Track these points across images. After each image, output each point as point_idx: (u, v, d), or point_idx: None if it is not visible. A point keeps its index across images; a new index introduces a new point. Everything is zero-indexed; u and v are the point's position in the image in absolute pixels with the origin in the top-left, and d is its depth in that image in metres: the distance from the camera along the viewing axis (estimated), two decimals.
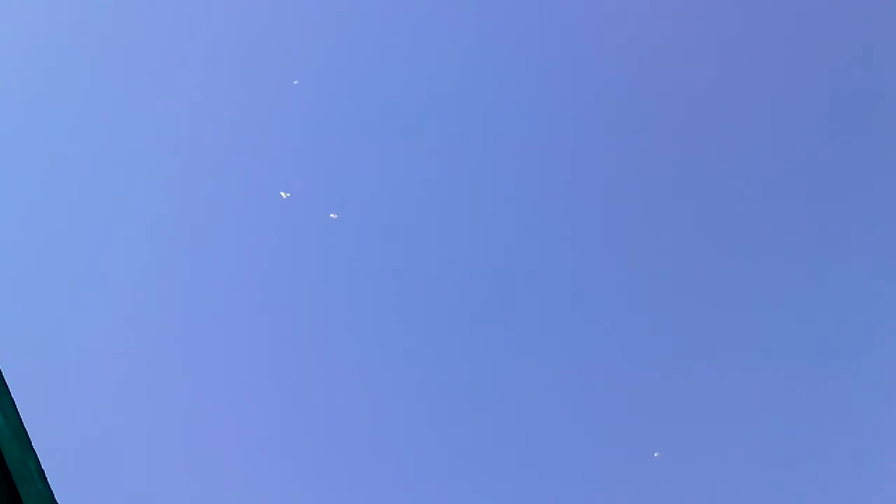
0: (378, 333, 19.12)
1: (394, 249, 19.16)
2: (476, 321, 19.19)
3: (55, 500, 4.64)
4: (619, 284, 18.99)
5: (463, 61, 19.17)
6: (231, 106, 18.81)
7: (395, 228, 19.14)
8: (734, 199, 18.91)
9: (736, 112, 18.93)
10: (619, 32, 19.02)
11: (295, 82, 18.01)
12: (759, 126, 18.82)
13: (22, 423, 4.72)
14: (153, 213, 18.73)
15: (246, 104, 18.83)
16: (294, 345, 19.21)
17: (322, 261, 19.05)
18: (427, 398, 18.97)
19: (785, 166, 18.87)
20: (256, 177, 18.78)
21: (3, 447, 4.58)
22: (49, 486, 4.65)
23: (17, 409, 4.78)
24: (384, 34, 19.02)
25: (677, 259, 19.02)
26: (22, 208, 18.44)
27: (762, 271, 18.90)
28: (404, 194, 19.15)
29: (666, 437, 18.44)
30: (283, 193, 18.14)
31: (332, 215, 18.51)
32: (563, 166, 19.07)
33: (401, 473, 18.70)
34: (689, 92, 19.03)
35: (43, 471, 4.64)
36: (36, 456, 4.68)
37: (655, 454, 17.90)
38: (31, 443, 4.69)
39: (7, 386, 4.92)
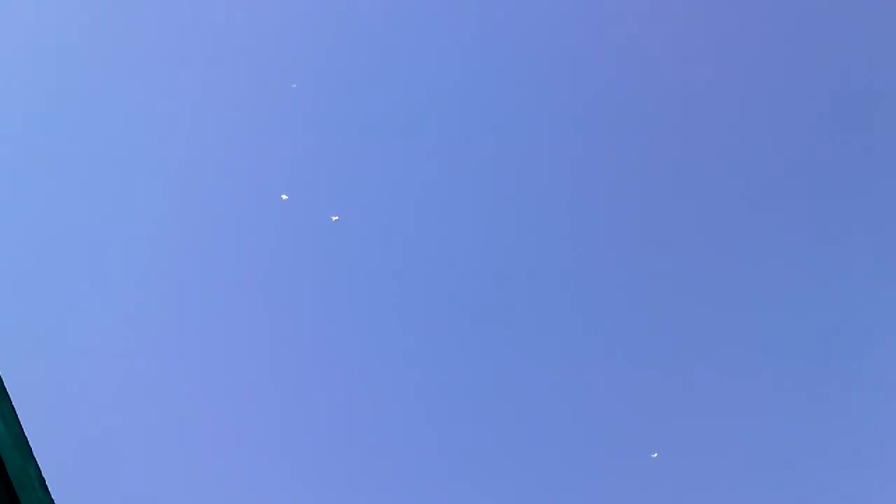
0: (378, 334, 19.13)
1: (394, 250, 19.17)
2: (475, 322, 19.19)
3: None
4: (618, 285, 18.99)
5: (462, 62, 19.18)
6: (231, 109, 18.81)
7: (394, 229, 19.15)
8: (734, 200, 18.91)
9: (736, 112, 18.93)
10: (619, 32, 19.02)
11: (294, 86, 18.02)
12: (758, 126, 18.82)
13: (23, 431, 4.73)
14: (153, 216, 18.74)
15: (246, 107, 18.83)
16: (294, 345, 19.22)
17: (322, 262, 19.06)
18: (426, 398, 18.97)
19: (784, 166, 18.87)
20: (256, 179, 18.79)
21: (4, 455, 4.59)
22: (49, 493, 4.66)
23: (17, 417, 4.80)
24: (383, 35, 19.03)
25: (676, 259, 19.03)
26: (23, 212, 18.45)
27: (761, 271, 18.90)
28: (404, 195, 19.15)
29: (664, 438, 18.44)
30: (283, 196, 18.15)
31: (332, 217, 18.52)
32: (562, 166, 19.08)
33: (400, 473, 18.71)
34: (689, 92, 19.03)
35: (44, 479, 4.65)
36: (36, 464, 4.69)
37: (654, 455, 17.90)
38: (31, 450, 4.70)
39: (7, 393, 4.93)
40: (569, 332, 18.97)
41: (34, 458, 4.69)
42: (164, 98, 18.63)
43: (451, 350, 19.09)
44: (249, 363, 18.96)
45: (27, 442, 4.71)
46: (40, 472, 4.68)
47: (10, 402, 4.88)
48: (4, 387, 4.92)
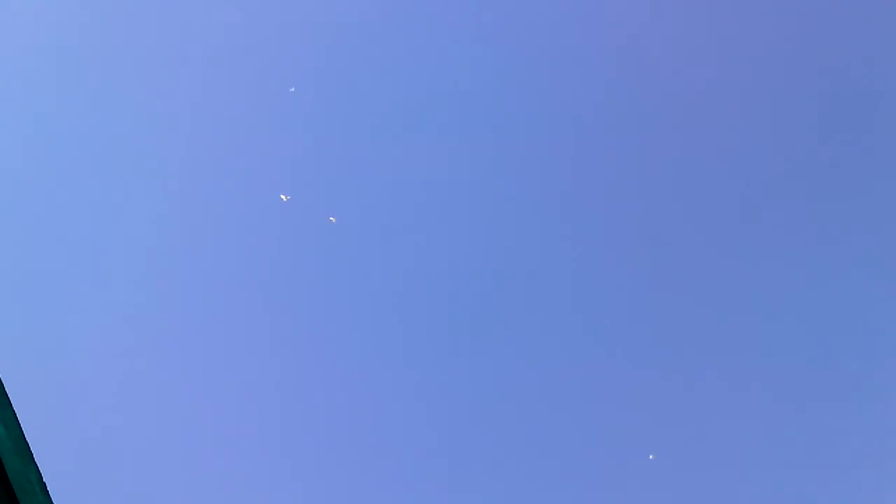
0: (377, 335, 19.12)
1: (393, 252, 19.17)
2: (474, 322, 19.19)
3: None
4: (617, 286, 18.98)
5: (461, 62, 19.18)
6: (231, 110, 18.82)
7: (394, 231, 19.14)
8: (734, 200, 18.91)
9: (736, 112, 18.93)
10: (619, 32, 19.02)
11: (291, 89, 18.02)
12: (758, 126, 18.82)
13: (23, 435, 4.72)
14: (153, 218, 18.74)
15: (245, 108, 18.83)
16: (294, 346, 19.21)
17: (321, 263, 19.05)
18: (425, 399, 18.96)
19: (784, 166, 18.87)
20: (256, 180, 18.79)
21: (5, 459, 4.58)
22: (50, 497, 4.64)
23: (18, 421, 4.79)
24: (382, 35, 19.02)
25: (675, 260, 19.02)
26: (23, 214, 18.45)
27: (760, 272, 18.89)
28: (404, 197, 19.15)
29: (661, 440, 18.43)
30: (283, 196, 18.14)
31: (331, 218, 18.51)
32: (562, 166, 19.07)
33: (400, 473, 18.70)
34: (689, 92, 19.02)
35: (44, 483, 4.64)
36: (37, 468, 4.68)
37: (651, 456, 17.89)
38: (32, 455, 4.69)
39: (8, 397, 4.92)
40: (568, 333, 18.96)
41: (35, 463, 4.68)
42: (163, 99, 18.62)
43: (450, 351, 19.08)
44: (250, 365, 18.96)
45: (28, 446, 4.70)
46: (41, 476, 4.67)
47: (11, 406, 4.87)
48: (5, 390, 4.91)
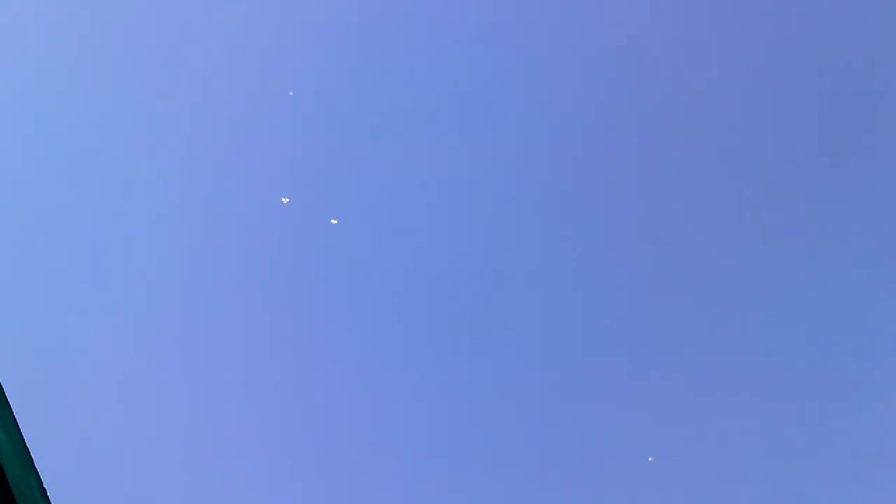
0: (377, 336, 19.13)
1: (393, 253, 19.17)
2: (474, 322, 19.19)
3: None
4: (616, 286, 18.98)
5: (461, 62, 19.19)
6: (232, 113, 18.82)
7: (394, 232, 19.15)
8: (734, 200, 18.91)
9: (736, 112, 18.93)
10: (619, 32, 19.02)
11: (291, 93, 18.04)
12: (758, 126, 18.82)
13: (24, 441, 4.72)
14: (153, 222, 18.74)
15: (246, 111, 18.84)
16: (294, 347, 19.21)
17: (322, 266, 19.06)
18: (424, 399, 18.96)
19: (784, 166, 18.87)
20: (257, 182, 18.79)
21: (5, 465, 4.58)
22: (51, 503, 4.64)
23: (18, 427, 4.78)
24: (382, 36, 19.03)
25: (674, 260, 19.02)
26: (24, 218, 18.46)
27: (759, 272, 18.89)
28: (404, 197, 19.15)
29: (661, 442, 18.43)
30: (283, 199, 18.15)
31: (332, 221, 18.52)
32: (562, 166, 19.07)
33: (398, 473, 18.70)
34: (689, 92, 19.03)
35: (45, 489, 4.63)
36: (38, 474, 4.68)
37: (650, 458, 17.89)
38: (32, 461, 4.69)
39: (8, 402, 4.92)
40: (568, 333, 18.96)
41: (35, 469, 4.68)
42: (164, 102, 18.63)
43: (449, 351, 19.09)
44: (252, 367, 18.96)
45: (28, 452, 4.69)
46: (41, 482, 4.67)
47: (11, 412, 4.87)
48: (5, 396, 4.91)
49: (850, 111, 18.63)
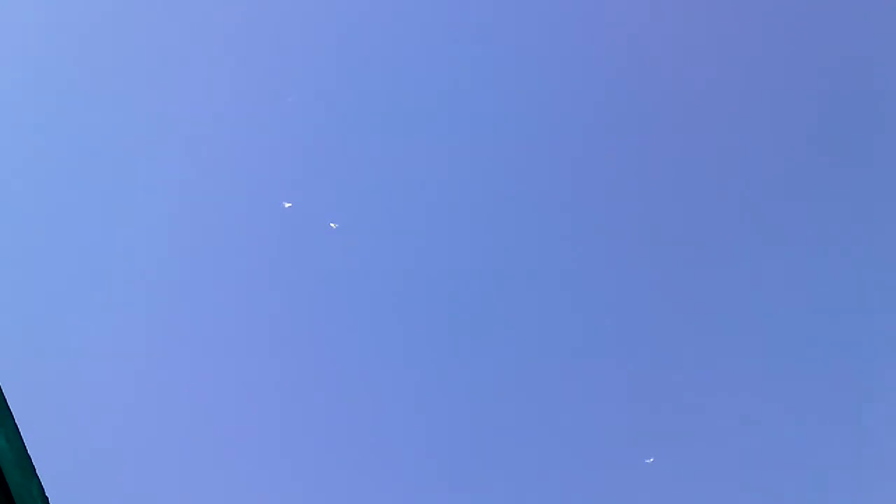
0: (378, 337, 19.14)
1: (393, 255, 19.19)
2: (474, 323, 19.20)
3: None
4: (616, 286, 18.99)
5: (460, 63, 19.20)
6: (233, 115, 18.85)
7: (395, 233, 19.17)
8: (733, 200, 18.91)
9: (735, 112, 18.93)
10: (619, 32, 19.03)
11: (290, 99, 18.08)
12: (757, 126, 18.82)
13: (25, 449, 4.76)
14: (154, 226, 18.77)
15: (248, 114, 18.87)
16: (294, 349, 19.23)
17: (323, 268, 19.08)
18: (423, 399, 18.97)
19: (784, 167, 18.87)
20: (259, 188, 18.82)
21: (7, 473, 4.61)
22: None
23: (20, 435, 4.82)
24: (381, 36, 19.05)
25: (674, 260, 19.02)
26: (26, 222, 18.48)
27: (758, 272, 18.89)
28: (404, 197, 19.17)
29: (659, 444, 18.43)
30: (285, 204, 18.19)
31: (332, 225, 18.56)
32: (561, 166, 19.08)
33: (397, 473, 18.71)
34: (689, 92, 19.04)
35: (46, 497, 4.67)
36: (39, 481, 4.72)
37: (649, 460, 17.90)
38: (34, 468, 4.73)
39: (10, 411, 4.96)
40: (568, 333, 18.97)
41: (37, 476, 4.71)
42: (166, 104, 18.67)
43: (448, 351, 19.10)
44: (256, 369, 18.98)
45: (30, 459, 4.73)
46: (43, 489, 4.70)
47: (13, 420, 4.91)
48: (7, 404, 4.95)
49: (850, 111, 18.63)
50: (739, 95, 18.90)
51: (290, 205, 18.08)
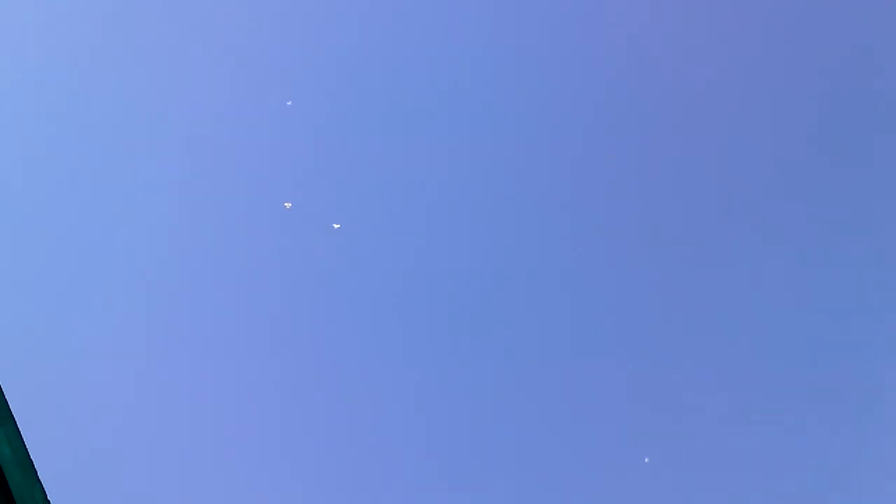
0: (378, 338, 19.14)
1: (394, 256, 19.18)
2: (473, 322, 19.20)
3: None
4: (614, 286, 18.98)
5: (461, 63, 19.18)
6: (234, 115, 18.83)
7: (395, 235, 19.16)
8: (733, 200, 18.91)
9: (735, 112, 18.93)
10: (619, 32, 19.02)
11: (288, 103, 18.08)
12: (757, 127, 18.81)
13: (27, 453, 4.75)
14: (155, 226, 18.75)
15: (249, 114, 18.85)
16: (295, 350, 19.23)
17: (325, 269, 19.07)
18: (422, 399, 18.98)
19: (783, 167, 18.87)
20: (260, 188, 18.81)
21: (9, 478, 4.60)
22: None
23: (22, 439, 4.81)
24: (382, 37, 19.03)
25: (673, 260, 19.02)
26: (29, 226, 18.46)
27: (757, 272, 18.89)
28: (405, 198, 19.16)
29: (656, 443, 18.44)
30: (286, 204, 18.18)
31: (334, 225, 18.55)
32: (561, 167, 19.07)
33: (398, 473, 18.72)
34: (689, 92, 19.03)
35: (49, 501, 4.66)
36: (42, 486, 4.71)
37: (645, 460, 17.91)
38: (36, 473, 4.72)
39: (12, 414, 4.95)
40: (567, 333, 18.97)
41: (39, 481, 4.70)
42: (166, 104, 18.65)
43: (448, 351, 19.10)
44: (252, 369, 18.97)
45: (32, 464, 4.72)
46: (45, 494, 4.70)
47: (15, 424, 4.90)
48: (9, 408, 4.94)
49: (850, 111, 18.63)
50: (739, 95, 18.89)
51: (290, 205, 18.07)
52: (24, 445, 4.87)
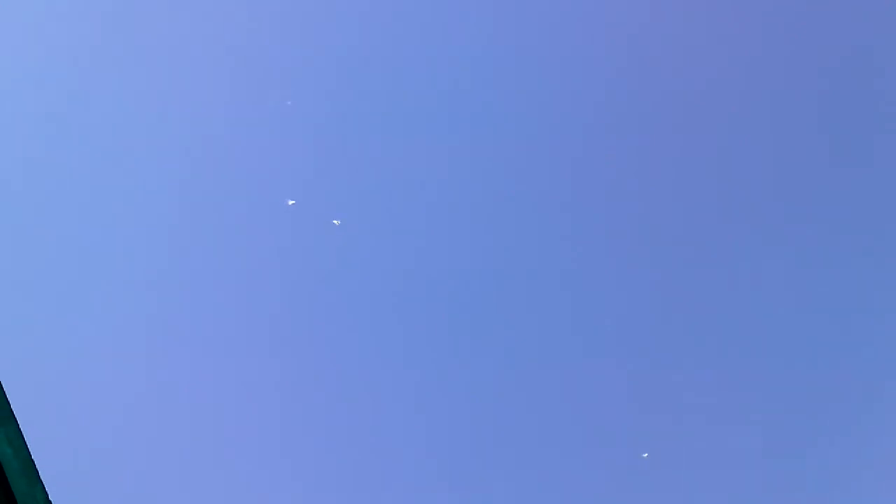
0: (378, 336, 19.15)
1: (395, 254, 19.19)
2: (473, 322, 19.21)
3: None
4: (614, 286, 18.99)
5: (461, 63, 19.19)
6: (235, 114, 18.84)
7: (395, 233, 19.16)
8: (732, 200, 18.91)
9: (735, 112, 18.93)
10: (619, 32, 19.02)
11: (288, 102, 18.09)
12: (756, 127, 18.82)
13: (30, 455, 4.75)
14: (155, 226, 18.75)
15: (250, 113, 18.85)
16: (295, 347, 19.23)
17: (326, 265, 19.08)
18: (422, 399, 18.98)
19: (784, 167, 18.87)
20: (264, 186, 18.81)
21: (11, 479, 4.61)
22: None
23: (23, 439, 4.81)
24: (382, 37, 19.03)
25: (672, 260, 19.02)
26: (27, 225, 18.47)
27: (755, 273, 18.89)
28: (405, 198, 19.17)
29: (654, 438, 18.44)
30: (289, 201, 18.19)
31: (335, 221, 18.55)
32: (561, 167, 19.08)
33: (398, 473, 18.72)
34: (689, 92, 19.03)
35: (50, 502, 4.67)
36: (43, 487, 4.71)
37: (644, 455, 17.92)
38: (38, 474, 4.72)
39: (14, 416, 4.95)
40: (566, 333, 18.98)
41: (41, 482, 4.71)
42: (166, 103, 18.65)
43: (447, 351, 19.10)
44: (252, 368, 18.98)
45: (34, 465, 4.72)
46: (47, 495, 4.70)
47: (17, 424, 4.90)
48: (11, 408, 4.94)
49: (850, 111, 18.63)
50: (739, 95, 18.89)
51: (293, 202, 18.08)
52: (26, 445, 4.87)
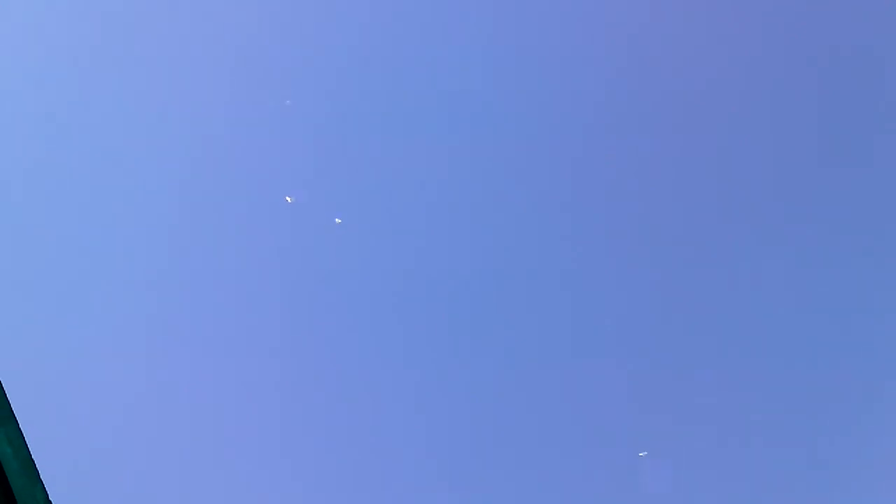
0: (379, 334, 19.14)
1: (395, 252, 19.18)
2: (473, 322, 19.20)
3: None
4: (613, 286, 18.99)
5: (461, 63, 19.18)
6: (235, 114, 18.83)
7: (396, 232, 19.15)
8: (732, 200, 18.91)
9: (735, 112, 18.92)
10: (619, 33, 19.02)
11: (287, 102, 18.09)
12: (756, 127, 18.81)
13: (30, 454, 4.74)
14: (156, 226, 18.75)
15: (250, 112, 18.85)
16: (294, 348, 19.22)
17: (327, 263, 19.07)
18: (422, 398, 18.98)
19: (784, 167, 18.87)
20: (263, 183, 18.81)
21: (11, 479, 4.60)
22: None
23: (24, 439, 4.80)
24: (382, 37, 19.03)
25: (672, 260, 19.02)
26: (28, 225, 18.46)
27: (755, 272, 18.89)
28: (406, 197, 19.16)
29: (652, 437, 18.44)
30: (287, 198, 18.18)
31: (336, 220, 18.55)
32: (561, 167, 19.08)
33: (397, 473, 18.71)
34: (689, 92, 19.02)
35: (50, 501, 4.65)
36: (43, 487, 4.70)
37: (642, 453, 17.91)
38: (38, 473, 4.71)
39: (14, 415, 4.94)
40: (566, 332, 18.97)
41: (41, 481, 4.69)
42: (166, 103, 18.65)
43: (446, 351, 19.10)
44: (252, 368, 18.97)
45: (34, 464, 4.71)
46: (47, 494, 4.69)
47: (17, 424, 4.89)
48: (11, 408, 4.93)
49: (850, 111, 18.62)
50: (739, 95, 18.89)
51: (291, 199, 18.07)
52: (26, 445, 4.86)
